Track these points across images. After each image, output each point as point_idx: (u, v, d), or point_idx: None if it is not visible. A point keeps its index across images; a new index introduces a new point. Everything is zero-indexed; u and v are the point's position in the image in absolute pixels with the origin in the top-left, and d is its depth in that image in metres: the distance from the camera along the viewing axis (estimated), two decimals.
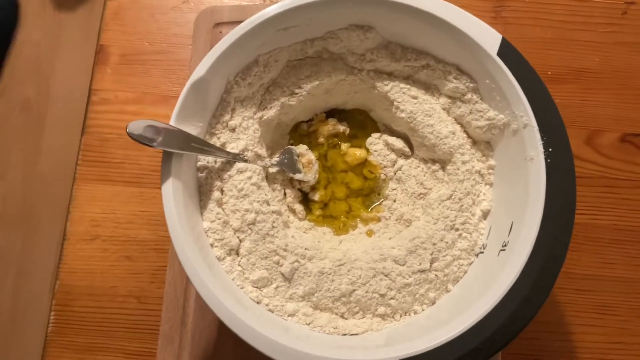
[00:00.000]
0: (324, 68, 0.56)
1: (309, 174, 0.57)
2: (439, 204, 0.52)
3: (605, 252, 0.64)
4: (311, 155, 0.58)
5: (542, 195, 0.44)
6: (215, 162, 0.51)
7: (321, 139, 0.60)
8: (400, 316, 0.49)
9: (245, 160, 0.51)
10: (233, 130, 0.52)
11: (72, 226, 0.65)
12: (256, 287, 0.48)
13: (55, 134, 0.69)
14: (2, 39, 0.67)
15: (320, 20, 0.53)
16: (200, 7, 0.73)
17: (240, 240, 0.49)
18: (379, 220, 0.57)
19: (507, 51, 0.48)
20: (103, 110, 0.70)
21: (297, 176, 0.57)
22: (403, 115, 0.55)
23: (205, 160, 0.51)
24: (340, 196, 0.59)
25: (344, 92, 0.59)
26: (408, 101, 0.55)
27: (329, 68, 0.56)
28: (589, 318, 0.62)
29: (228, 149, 0.51)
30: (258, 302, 0.47)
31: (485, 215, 0.52)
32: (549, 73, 0.70)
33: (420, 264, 0.49)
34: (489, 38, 0.49)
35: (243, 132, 0.52)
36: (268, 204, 0.50)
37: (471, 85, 0.52)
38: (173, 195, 0.45)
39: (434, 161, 0.57)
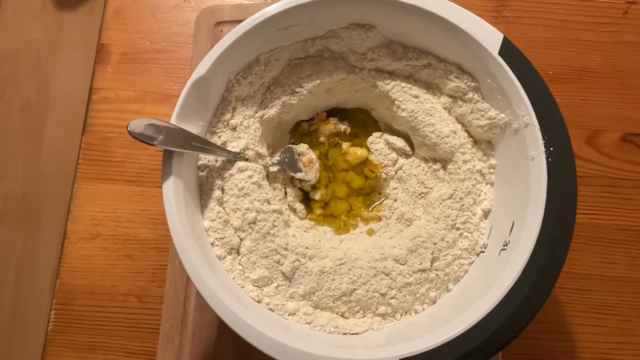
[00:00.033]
0: (325, 67, 0.56)
1: (309, 173, 0.57)
2: (440, 203, 0.52)
3: (606, 252, 0.64)
4: (312, 154, 0.58)
5: (543, 194, 0.44)
6: (216, 161, 0.51)
7: (322, 138, 0.60)
8: (401, 315, 0.49)
9: (246, 159, 0.51)
10: (234, 129, 0.52)
11: (72, 225, 0.65)
12: (257, 286, 0.48)
13: (56, 132, 0.69)
14: None
15: (321, 19, 0.52)
16: (201, 6, 0.73)
17: (241, 239, 0.49)
18: (379, 219, 0.57)
19: (508, 50, 0.48)
20: (104, 109, 0.70)
21: (298, 175, 0.56)
22: (404, 114, 0.55)
23: (206, 159, 0.50)
24: (341, 195, 0.59)
25: (345, 91, 0.59)
26: (409, 100, 0.55)
27: (330, 67, 0.56)
28: (590, 318, 0.62)
29: (229, 148, 0.51)
30: (258, 301, 0.47)
31: (486, 214, 0.52)
32: (550, 73, 0.70)
33: (421, 263, 0.49)
34: (490, 37, 0.49)
35: (244, 131, 0.52)
36: (269, 203, 0.50)
37: (472, 84, 0.52)
38: (174, 194, 0.45)
39: (435, 160, 0.57)
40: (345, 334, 0.47)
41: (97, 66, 0.72)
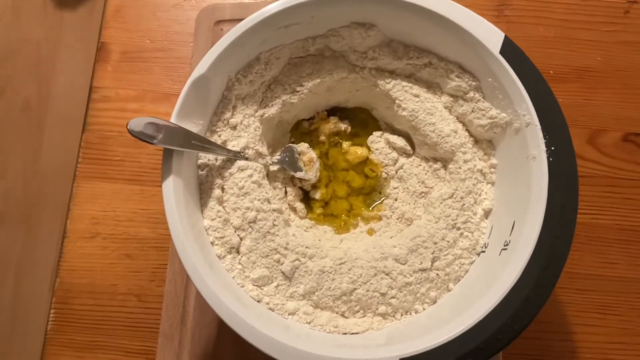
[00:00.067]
0: (326, 66, 0.56)
1: (310, 172, 0.57)
2: (441, 203, 0.52)
3: (607, 252, 0.63)
4: (312, 154, 0.58)
5: (544, 194, 0.44)
6: (216, 159, 0.51)
7: (322, 137, 0.60)
8: (401, 315, 0.49)
9: (246, 158, 0.51)
10: (234, 128, 0.52)
11: (72, 224, 0.65)
12: (256, 285, 0.48)
13: (56, 131, 0.68)
14: None
15: (321, 18, 0.52)
16: (201, 4, 0.73)
17: (241, 239, 0.49)
18: (380, 219, 0.57)
19: (509, 49, 0.48)
20: (104, 108, 0.70)
21: (298, 174, 0.56)
22: (405, 113, 0.55)
23: (206, 158, 0.50)
24: (342, 195, 0.59)
25: (346, 90, 0.58)
26: (410, 99, 0.54)
27: (330, 66, 0.56)
28: (590, 318, 0.62)
29: (229, 147, 0.51)
30: (258, 301, 0.47)
31: (487, 214, 0.52)
32: (551, 72, 0.70)
33: (421, 263, 0.49)
34: (491, 36, 0.48)
35: (244, 130, 0.52)
36: (269, 202, 0.50)
37: (473, 83, 0.52)
38: (174, 193, 0.45)
39: (435, 160, 0.57)
40: (345, 333, 0.47)
41: (97, 65, 0.71)
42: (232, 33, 0.49)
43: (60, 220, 0.65)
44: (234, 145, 0.51)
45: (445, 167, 0.56)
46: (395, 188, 0.58)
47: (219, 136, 0.51)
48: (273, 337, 0.41)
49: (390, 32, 0.54)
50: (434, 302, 0.49)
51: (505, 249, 0.46)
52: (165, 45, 0.72)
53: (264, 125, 0.55)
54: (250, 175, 0.50)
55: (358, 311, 0.49)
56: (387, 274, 0.49)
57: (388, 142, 0.59)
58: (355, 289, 0.48)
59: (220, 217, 0.49)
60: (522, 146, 0.47)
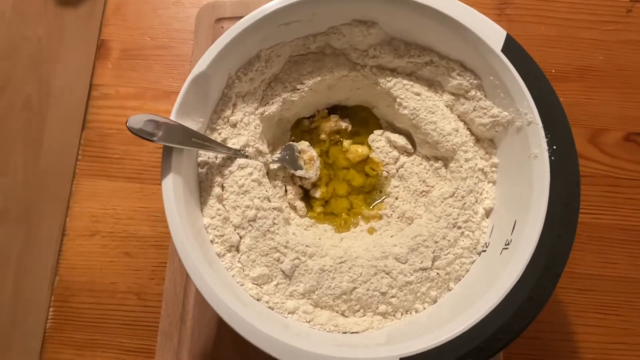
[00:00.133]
0: (327, 64, 0.55)
1: (310, 171, 0.57)
2: (442, 202, 0.51)
3: (608, 252, 0.63)
4: (313, 152, 0.58)
5: (546, 193, 0.44)
6: (216, 157, 0.50)
7: (323, 136, 0.60)
8: (402, 314, 0.48)
9: (246, 156, 0.51)
10: (234, 125, 0.52)
11: (71, 222, 0.65)
12: (256, 284, 0.48)
13: (56, 129, 0.68)
14: None
15: (322, 15, 0.52)
16: (202, 2, 0.73)
17: (241, 237, 0.49)
18: (380, 217, 0.57)
19: (511, 48, 0.48)
20: (104, 106, 0.70)
21: (299, 173, 0.56)
22: (406, 112, 0.54)
23: (206, 155, 0.50)
24: (342, 193, 0.59)
25: (347, 89, 0.58)
26: (411, 98, 0.54)
27: (331, 64, 0.55)
28: (590, 318, 0.62)
29: (229, 145, 0.51)
30: (258, 299, 0.47)
31: (488, 213, 0.52)
32: (553, 71, 0.70)
33: (422, 262, 0.49)
34: (493, 34, 0.48)
35: (244, 128, 0.52)
36: (269, 201, 0.50)
37: (475, 82, 0.52)
38: (173, 190, 0.45)
39: (436, 158, 0.57)
40: (345, 332, 0.47)
41: (97, 62, 0.71)
42: (233, 30, 0.49)
43: (60, 218, 0.65)
44: (234, 143, 0.51)
45: (446, 165, 0.55)
46: (395, 187, 0.58)
47: (219, 134, 0.51)
48: (272, 336, 0.41)
49: (391, 30, 0.54)
50: (435, 301, 0.49)
51: (507, 249, 0.46)
52: (165, 42, 0.72)
53: (264, 123, 0.54)
54: (250, 174, 0.50)
55: (358, 310, 0.48)
56: (387, 273, 0.48)
57: (389, 141, 0.59)
58: (355, 288, 0.48)
59: (220, 215, 0.49)
60: (524, 145, 0.47)
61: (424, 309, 0.49)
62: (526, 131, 0.47)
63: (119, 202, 0.66)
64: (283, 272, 0.48)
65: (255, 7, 0.50)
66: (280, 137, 0.60)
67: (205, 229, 0.48)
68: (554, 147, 0.45)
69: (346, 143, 0.60)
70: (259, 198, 0.49)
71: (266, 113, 0.54)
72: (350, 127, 0.61)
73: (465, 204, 0.51)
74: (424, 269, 0.49)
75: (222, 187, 0.50)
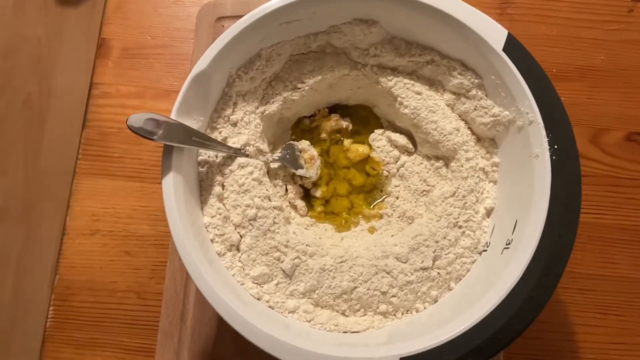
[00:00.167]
0: (327, 63, 0.55)
1: (310, 170, 0.57)
2: (442, 201, 0.51)
3: (609, 252, 0.63)
4: (313, 151, 0.58)
5: (547, 193, 0.44)
6: (217, 156, 0.50)
7: (323, 135, 0.60)
8: (402, 314, 0.48)
9: (247, 155, 0.51)
10: (235, 124, 0.52)
11: (72, 220, 0.65)
12: (256, 283, 0.48)
13: (56, 128, 0.68)
14: None
15: (323, 14, 0.52)
16: (202, 0, 0.73)
17: (241, 236, 0.49)
18: (381, 217, 0.57)
19: (513, 47, 0.48)
20: (104, 104, 0.70)
21: (299, 172, 0.56)
22: (407, 111, 0.54)
23: (206, 154, 0.50)
24: (342, 193, 0.59)
25: (347, 88, 0.58)
26: (412, 97, 0.54)
27: (332, 63, 0.55)
28: (591, 318, 0.62)
29: (229, 144, 0.51)
30: (258, 299, 0.47)
31: (489, 213, 0.51)
32: (554, 70, 0.70)
33: (422, 261, 0.49)
34: (494, 33, 0.48)
35: (245, 127, 0.52)
36: (269, 200, 0.50)
37: (476, 81, 0.52)
38: (173, 189, 0.45)
39: (437, 158, 0.56)
40: (346, 332, 0.47)
41: (98, 61, 0.71)
42: (233, 29, 0.49)
43: (60, 217, 0.65)
44: (234, 142, 0.51)
45: (447, 165, 0.55)
46: (396, 186, 0.58)
47: (220, 133, 0.51)
48: (273, 335, 0.41)
49: (392, 28, 0.54)
50: (435, 301, 0.49)
51: (507, 248, 0.46)
52: (166, 41, 0.72)
53: (265, 122, 0.54)
54: (251, 173, 0.50)
55: (359, 310, 0.48)
56: (388, 273, 0.48)
57: (389, 140, 0.59)
58: (355, 287, 0.48)
59: (220, 215, 0.49)
60: (525, 144, 0.47)
61: (425, 308, 0.48)
62: (527, 131, 0.47)
63: (119, 201, 0.66)
64: (283, 271, 0.48)
65: (256, 5, 0.50)
66: (281, 136, 0.60)
67: (206, 228, 0.48)
68: (555, 147, 0.45)
69: (347, 142, 0.60)
70: (259, 197, 0.49)
71: (267, 112, 0.54)
72: (350, 126, 0.61)
73: (466, 203, 0.51)
74: (424, 269, 0.49)
75: (223, 186, 0.50)
